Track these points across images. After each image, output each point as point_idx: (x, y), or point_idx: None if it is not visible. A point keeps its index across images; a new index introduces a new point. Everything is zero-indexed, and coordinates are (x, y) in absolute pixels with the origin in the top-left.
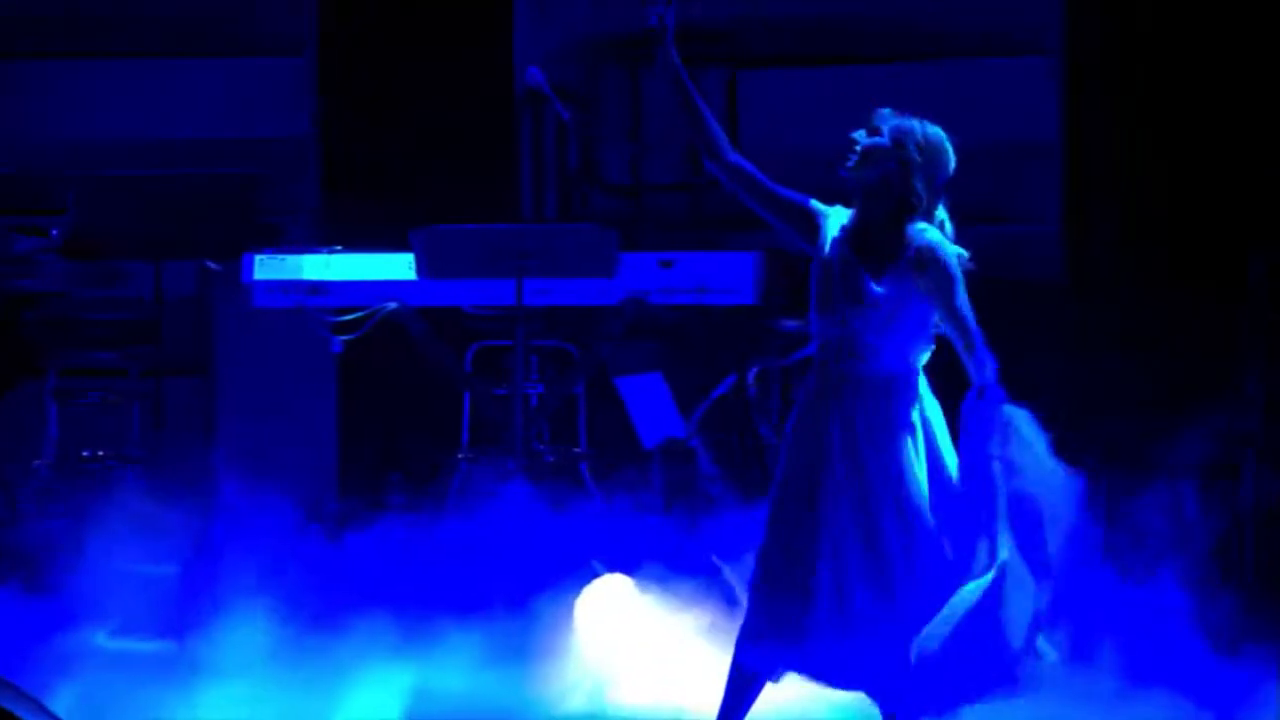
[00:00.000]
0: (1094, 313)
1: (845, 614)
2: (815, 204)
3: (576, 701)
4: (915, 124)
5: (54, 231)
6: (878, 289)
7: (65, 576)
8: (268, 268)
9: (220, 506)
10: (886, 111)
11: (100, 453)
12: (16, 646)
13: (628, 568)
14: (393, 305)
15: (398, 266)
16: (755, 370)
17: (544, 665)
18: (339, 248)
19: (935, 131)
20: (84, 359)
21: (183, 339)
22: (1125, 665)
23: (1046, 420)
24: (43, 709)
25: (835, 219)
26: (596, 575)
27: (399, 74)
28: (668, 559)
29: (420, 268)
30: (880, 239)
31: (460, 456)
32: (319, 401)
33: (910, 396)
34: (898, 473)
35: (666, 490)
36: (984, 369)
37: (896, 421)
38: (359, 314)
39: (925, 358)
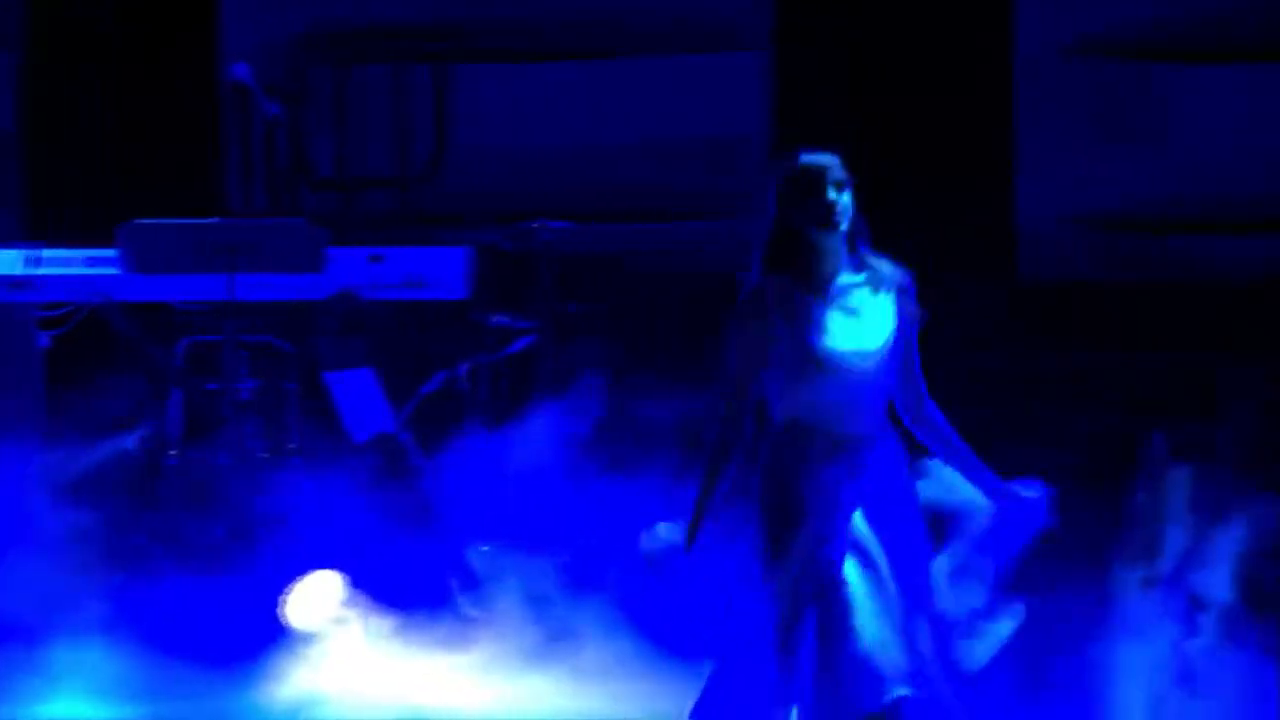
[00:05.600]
0: None
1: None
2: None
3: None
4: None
5: None
6: None
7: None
8: None
9: None
10: None
11: None
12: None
13: (339, 565)
14: (98, 300)
15: (106, 262)
16: (467, 366)
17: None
18: (44, 243)
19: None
20: None
21: None
22: None
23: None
24: None
25: None
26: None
27: (103, 70)
28: (379, 557)
29: (126, 263)
30: None
31: (172, 452)
32: (25, 397)
33: None
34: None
35: (377, 485)
36: None
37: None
38: (65, 309)
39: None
